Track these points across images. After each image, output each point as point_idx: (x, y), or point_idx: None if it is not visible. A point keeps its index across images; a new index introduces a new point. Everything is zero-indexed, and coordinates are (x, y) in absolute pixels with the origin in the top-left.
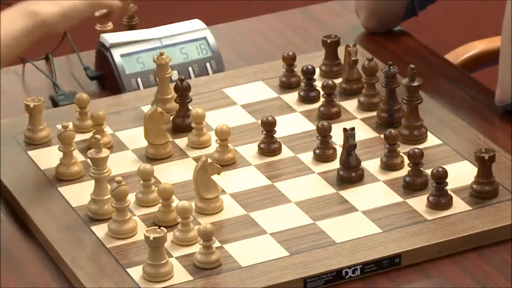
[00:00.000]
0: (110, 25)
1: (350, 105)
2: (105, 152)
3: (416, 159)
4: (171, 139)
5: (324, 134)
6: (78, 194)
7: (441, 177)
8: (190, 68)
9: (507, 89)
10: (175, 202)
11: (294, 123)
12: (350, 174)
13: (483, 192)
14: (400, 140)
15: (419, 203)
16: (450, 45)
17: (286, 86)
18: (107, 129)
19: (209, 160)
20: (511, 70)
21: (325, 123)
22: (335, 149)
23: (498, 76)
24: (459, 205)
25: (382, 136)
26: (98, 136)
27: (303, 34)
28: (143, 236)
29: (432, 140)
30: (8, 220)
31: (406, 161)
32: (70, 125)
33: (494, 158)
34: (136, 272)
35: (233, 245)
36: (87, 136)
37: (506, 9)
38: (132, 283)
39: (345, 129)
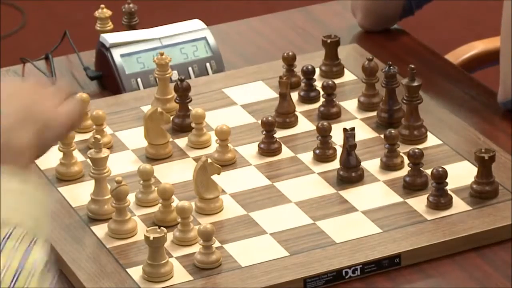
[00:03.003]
0: (110, 25)
1: (350, 105)
2: (105, 152)
3: (416, 159)
4: (171, 139)
5: (324, 134)
6: (78, 194)
7: (441, 177)
8: (190, 68)
9: (508, 86)
10: (175, 202)
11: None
12: (350, 174)
13: (483, 192)
14: (400, 140)
15: (419, 203)
16: (450, 45)
17: None
18: (107, 129)
19: (209, 160)
20: (511, 68)
21: (325, 123)
22: (335, 149)
23: (499, 75)
24: (459, 205)
25: (382, 136)
26: (98, 136)
27: (303, 34)
28: (143, 236)
29: (432, 140)
30: None
31: (406, 161)
32: None
33: (494, 158)
34: (136, 272)
35: (233, 245)
36: (87, 136)
37: (504, 8)
38: (132, 283)
39: (345, 129)
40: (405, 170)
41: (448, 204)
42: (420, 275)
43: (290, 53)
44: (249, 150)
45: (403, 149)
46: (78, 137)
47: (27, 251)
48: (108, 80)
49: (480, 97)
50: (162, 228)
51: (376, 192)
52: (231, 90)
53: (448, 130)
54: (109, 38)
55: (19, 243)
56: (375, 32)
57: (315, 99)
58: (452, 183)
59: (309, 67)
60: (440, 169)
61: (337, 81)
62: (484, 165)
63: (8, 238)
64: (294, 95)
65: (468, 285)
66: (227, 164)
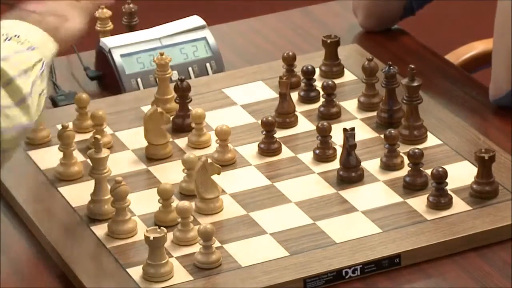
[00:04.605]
0: (110, 25)
1: (350, 105)
2: (105, 152)
3: (416, 159)
4: (171, 139)
5: (324, 134)
6: (78, 194)
7: (441, 177)
8: (190, 68)
9: (500, 83)
10: (175, 202)
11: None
12: (350, 174)
13: (483, 192)
14: (400, 140)
15: (419, 203)
16: (450, 45)
17: None
18: (107, 129)
19: (209, 160)
20: (503, 65)
21: (325, 123)
22: (335, 149)
23: (491, 73)
24: (459, 205)
25: (382, 136)
26: (98, 136)
27: (303, 34)
28: (143, 236)
29: (432, 140)
30: (8, 220)
31: (406, 161)
32: (70, 125)
33: (494, 158)
34: (136, 272)
35: (233, 245)
36: (87, 136)
37: (498, 7)
38: (132, 283)
39: (345, 129)
40: (405, 170)
41: (448, 204)
42: (420, 275)
43: (290, 53)
44: (249, 150)
45: (403, 149)
46: (78, 137)
47: None
48: (108, 80)
49: (480, 97)
50: (162, 228)
51: (376, 192)
52: (231, 90)
53: (448, 130)
54: (108, 43)
55: None
56: (375, 32)
57: (315, 99)
58: (452, 183)
59: (309, 67)
60: (440, 169)
61: (337, 81)
62: (484, 165)
63: None
64: (294, 95)
65: (468, 285)
66: (227, 164)
